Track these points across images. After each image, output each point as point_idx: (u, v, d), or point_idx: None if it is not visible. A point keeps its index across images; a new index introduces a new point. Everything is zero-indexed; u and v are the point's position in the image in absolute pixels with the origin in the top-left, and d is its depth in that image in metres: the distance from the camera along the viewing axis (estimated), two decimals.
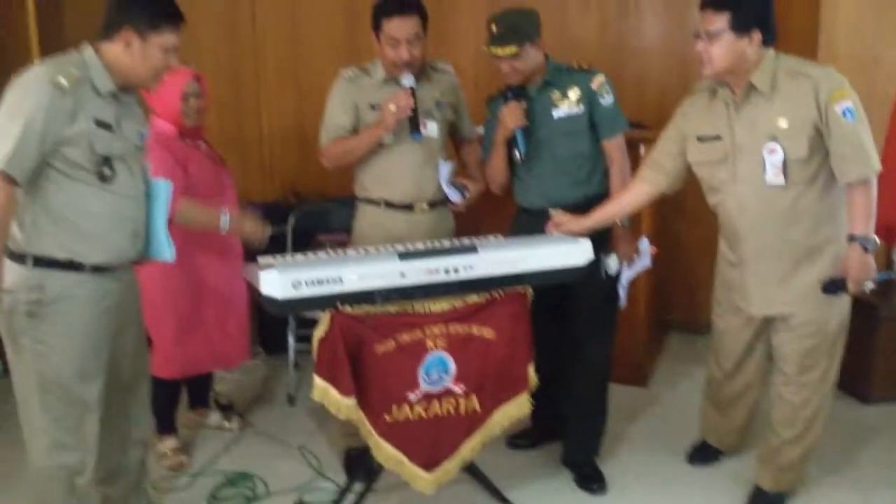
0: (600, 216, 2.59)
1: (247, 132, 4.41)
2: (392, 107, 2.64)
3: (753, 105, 2.34)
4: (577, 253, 2.41)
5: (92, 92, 2.06)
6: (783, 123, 2.28)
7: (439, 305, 2.34)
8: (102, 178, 2.09)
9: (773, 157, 2.29)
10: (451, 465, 2.46)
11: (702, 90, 2.51)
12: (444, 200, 2.90)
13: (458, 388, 2.41)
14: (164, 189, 2.28)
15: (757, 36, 2.28)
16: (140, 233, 2.24)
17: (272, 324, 3.70)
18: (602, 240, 2.66)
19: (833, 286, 2.32)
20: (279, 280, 2.11)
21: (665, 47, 4.16)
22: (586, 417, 2.89)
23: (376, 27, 2.72)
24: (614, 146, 2.76)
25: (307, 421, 3.37)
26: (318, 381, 2.26)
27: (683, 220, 4.06)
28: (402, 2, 2.72)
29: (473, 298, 2.36)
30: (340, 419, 2.35)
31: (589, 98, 2.69)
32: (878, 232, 2.29)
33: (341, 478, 2.89)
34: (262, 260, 2.31)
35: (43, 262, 2.07)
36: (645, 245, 2.84)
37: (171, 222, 2.34)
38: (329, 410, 2.30)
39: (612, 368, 2.95)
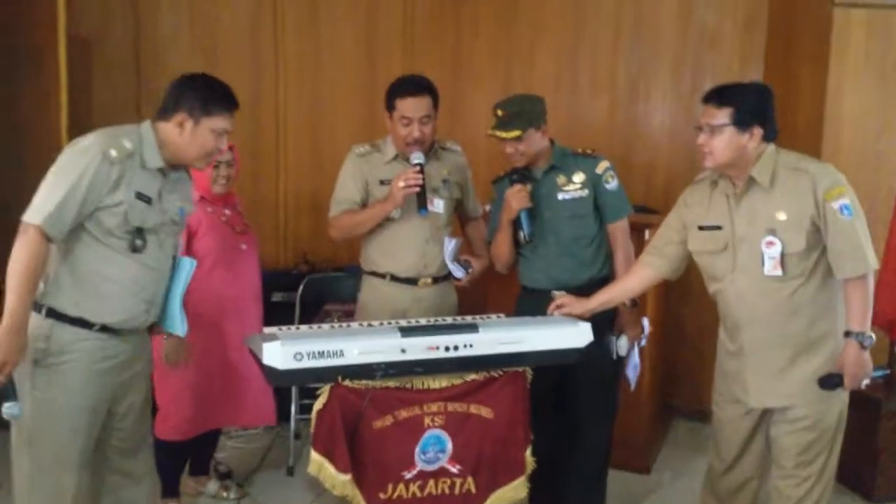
0: (603, 299, 2.62)
1: (264, 199, 4.51)
2: (401, 183, 2.72)
3: (753, 198, 2.38)
4: (577, 335, 2.43)
5: (139, 165, 2.17)
6: (782, 216, 2.32)
7: (438, 382, 2.35)
8: (133, 249, 2.18)
9: (771, 249, 2.32)
10: None
11: (703, 181, 2.56)
12: (447, 276, 2.95)
13: (454, 468, 2.40)
14: (187, 266, 2.36)
15: (758, 132, 2.34)
16: (155, 303, 2.31)
17: (274, 393, 3.71)
18: (606, 321, 2.68)
19: (830, 382, 2.31)
20: (281, 351, 2.14)
21: (673, 133, 4.26)
22: (585, 503, 2.85)
23: (389, 106, 2.83)
24: (619, 229, 2.81)
25: (305, 493, 3.34)
26: (315, 456, 2.26)
27: (689, 306, 4.07)
28: (416, 82, 2.84)
29: (472, 377, 2.38)
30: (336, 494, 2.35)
31: (594, 182, 2.76)
32: (881, 326, 2.29)
33: None
34: (266, 330, 2.35)
35: (54, 314, 2.15)
36: (645, 324, 2.87)
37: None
38: (325, 485, 2.29)
39: (612, 453, 2.93)
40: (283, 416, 3.68)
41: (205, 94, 2.22)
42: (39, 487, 2.18)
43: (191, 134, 2.21)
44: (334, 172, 3.01)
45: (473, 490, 2.42)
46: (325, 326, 2.49)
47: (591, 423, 2.79)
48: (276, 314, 3.31)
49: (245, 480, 3.45)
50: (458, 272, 2.94)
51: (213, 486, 3.30)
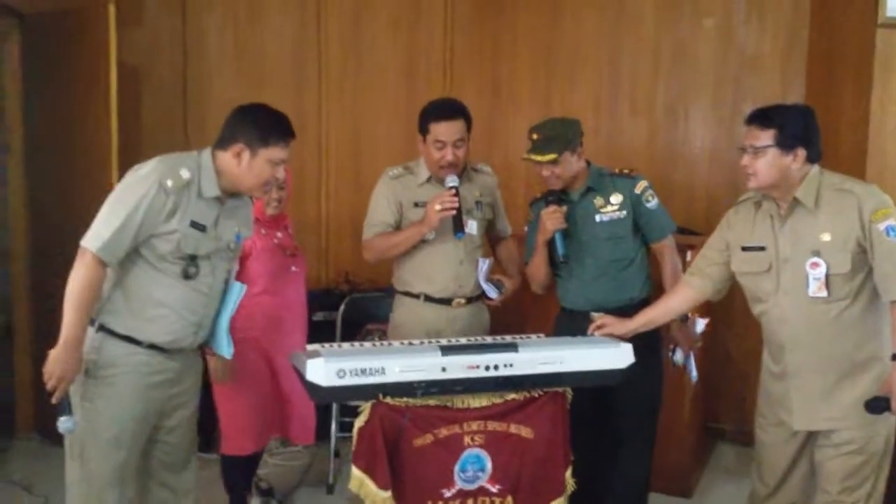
0: (644, 319, 2.62)
1: (307, 219, 4.59)
2: (437, 206, 2.75)
3: (798, 219, 2.37)
4: (618, 356, 2.42)
5: (196, 194, 2.23)
6: (826, 237, 2.31)
7: (478, 401, 2.36)
8: (186, 276, 2.24)
9: (816, 270, 2.30)
10: None
11: (747, 201, 2.55)
12: (480, 296, 2.98)
13: (494, 488, 2.40)
14: (236, 290, 2.41)
15: (801, 153, 2.33)
16: (204, 326, 2.37)
17: (316, 411, 3.76)
18: (648, 343, 2.66)
19: (877, 405, 2.27)
20: (324, 368, 2.17)
21: (714, 156, 4.25)
22: None
23: (423, 130, 2.87)
24: (665, 247, 2.83)
25: None
26: (356, 472, 2.28)
27: (733, 329, 4.03)
28: (449, 106, 2.90)
29: (512, 396, 2.38)
30: None
31: (634, 202, 2.77)
32: None
33: None
34: (309, 347, 2.39)
35: (105, 329, 2.22)
36: (700, 325, 2.85)
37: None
38: (365, 502, 2.31)
39: (654, 477, 2.91)
40: (324, 433, 3.73)
41: (262, 124, 2.27)
42: (86, 499, 2.24)
43: (248, 164, 2.26)
44: None
45: None
46: (367, 344, 2.52)
47: (632, 446, 2.78)
48: (318, 333, 3.35)
49: (286, 498, 3.49)
50: (492, 293, 2.97)
51: (254, 502, 3.33)
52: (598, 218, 2.76)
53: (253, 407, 2.97)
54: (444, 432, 2.34)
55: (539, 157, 2.68)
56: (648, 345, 2.68)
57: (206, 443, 3.33)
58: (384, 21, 4.62)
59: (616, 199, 2.77)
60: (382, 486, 2.26)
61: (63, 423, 2.10)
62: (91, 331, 2.20)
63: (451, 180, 2.83)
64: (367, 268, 4.28)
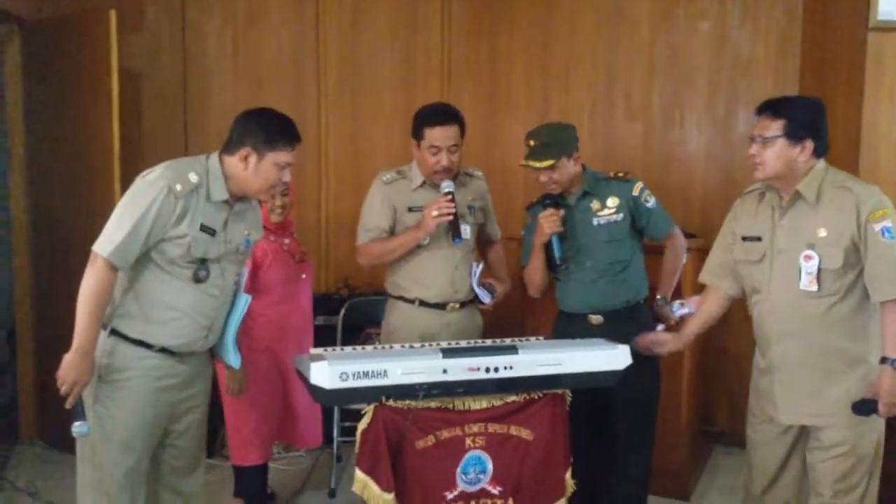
0: (694, 329, 2.70)
1: (307, 223, 4.61)
2: (434, 212, 2.77)
3: (797, 212, 2.40)
4: (615, 358, 2.46)
5: (205, 198, 2.26)
6: (822, 233, 2.33)
7: (479, 403, 2.39)
8: (197, 280, 2.27)
9: (809, 264, 2.33)
10: None
11: (752, 192, 2.59)
12: (473, 300, 3.00)
13: (495, 490, 2.43)
14: (243, 302, 2.44)
15: (809, 145, 2.36)
16: (215, 330, 2.40)
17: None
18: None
19: (864, 407, 2.29)
20: (328, 371, 2.21)
21: (709, 157, 4.29)
22: None
23: (417, 135, 2.89)
24: (671, 238, 2.90)
25: None
26: (359, 474, 2.31)
27: (729, 333, 4.05)
28: (444, 111, 2.91)
29: (513, 398, 2.42)
30: None
31: (632, 204, 2.81)
32: None
33: None
34: (313, 351, 2.42)
35: (117, 334, 2.25)
36: (677, 310, 2.92)
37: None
38: None
39: (652, 479, 2.94)
40: (326, 438, 3.75)
41: (268, 128, 2.30)
42: (98, 503, 2.27)
43: (255, 168, 2.29)
44: None
45: None
46: (369, 348, 2.55)
47: (631, 447, 2.81)
48: (319, 337, 3.38)
49: (288, 502, 3.51)
50: (485, 297, 3.00)
51: None
52: (595, 221, 2.80)
53: (262, 418, 3.00)
54: (445, 434, 2.37)
55: (537, 164, 2.71)
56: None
57: (209, 447, 3.36)
58: (382, 26, 4.66)
59: (613, 202, 2.80)
60: (386, 489, 2.29)
61: (77, 428, 2.12)
62: (103, 335, 2.23)
63: (447, 186, 2.84)
64: (366, 272, 4.32)
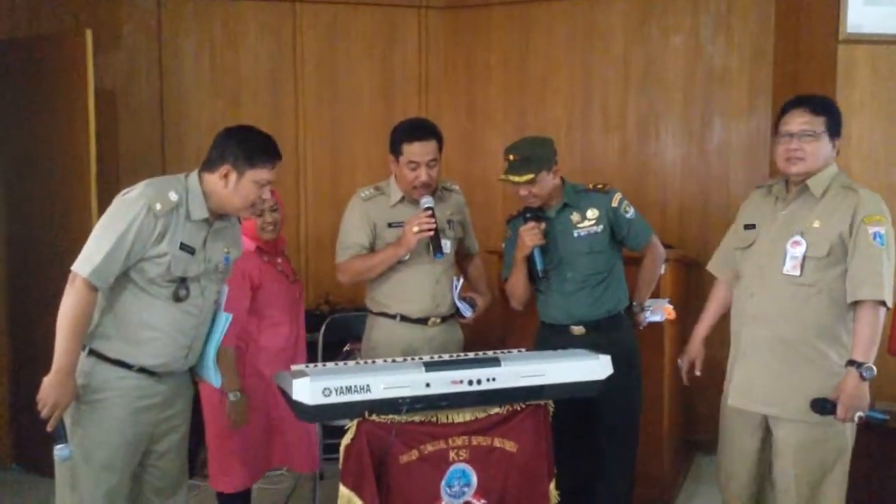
0: (703, 332, 2.77)
1: (286, 240, 4.60)
2: (415, 227, 2.77)
3: (800, 204, 2.46)
4: (597, 368, 2.46)
5: (184, 217, 2.25)
6: (816, 223, 2.39)
7: (462, 416, 2.39)
8: (177, 299, 2.25)
9: (795, 249, 2.39)
10: None
11: (763, 187, 2.66)
12: (453, 314, 3.01)
13: (480, 502, 2.42)
14: (223, 321, 2.43)
15: (837, 145, 2.44)
16: (195, 349, 2.38)
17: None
18: (626, 357, 2.72)
19: (822, 406, 2.31)
20: (310, 387, 2.19)
21: (684, 169, 4.35)
22: None
23: (395, 151, 2.89)
24: (651, 247, 2.94)
25: None
26: (344, 490, 2.29)
27: (709, 343, 4.06)
28: (422, 126, 2.92)
29: (496, 410, 2.42)
30: None
31: (611, 215, 2.83)
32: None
33: None
34: (294, 367, 2.41)
35: (96, 354, 2.23)
36: (661, 303, 2.98)
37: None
38: None
39: (635, 487, 2.95)
40: None
41: (248, 146, 2.29)
42: None
43: (235, 186, 2.28)
44: None
45: None
46: (351, 363, 2.55)
47: (614, 456, 2.82)
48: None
49: None
50: (467, 311, 3.01)
51: None
52: (575, 233, 2.82)
53: (246, 443, 2.92)
54: (429, 448, 2.37)
55: (516, 178, 2.72)
56: (627, 358, 2.74)
57: (190, 467, 3.31)
58: (359, 42, 4.68)
59: (592, 213, 2.82)
60: None
61: (59, 451, 2.10)
62: (82, 356, 2.20)
63: (427, 201, 2.84)
64: (346, 288, 4.30)
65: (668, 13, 4.31)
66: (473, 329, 3.17)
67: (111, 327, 2.23)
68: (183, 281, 2.26)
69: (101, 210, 2.27)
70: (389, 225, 2.92)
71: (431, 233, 2.78)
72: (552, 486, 2.48)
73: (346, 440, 2.30)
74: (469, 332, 3.15)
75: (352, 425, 2.30)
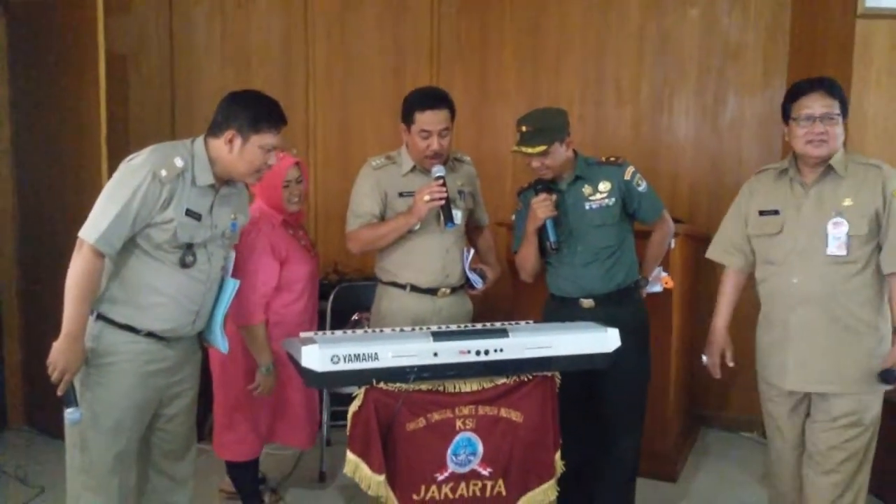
0: (723, 322, 2.75)
1: (304, 213, 4.62)
2: (426, 196, 2.76)
3: (824, 185, 2.48)
4: (604, 340, 2.47)
5: (190, 183, 2.24)
6: (848, 202, 2.43)
7: (469, 386, 2.40)
8: (184, 265, 2.26)
9: (838, 230, 2.43)
10: None
11: (767, 170, 2.66)
12: (463, 285, 3.01)
13: (485, 471, 2.45)
14: (231, 287, 2.44)
15: (846, 126, 2.48)
16: (203, 315, 2.39)
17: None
18: (635, 330, 2.73)
19: (891, 376, 2.40)
20: (319, 354, 2.21)
21: (697, 144, 4.32)
22: None
23: (407, 119, 2.87)
24: (661, 222, 2.94)
25: (337, 499, 3.41)
26: (351, 456, 2.32)
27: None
28: (434, 95, 2.90)
29: (503, 381, 2.43)
30: (371, 496, 2.40)
31: (624, 188, 2.81)
32: None
33: None
34: (303, 335, 2.42)
35: (104, 318, 2.24)
36: (657, 273, 2.97)
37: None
38: (360, 486, 2.35)
39: (641, 461, 2.96)
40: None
41: (253, 111, 2.28)
42: (87, 487, 2.27)
43: (239, 151, 2.28)
44: None
45: (504, 493, 2.47)
46: (360, 331, 2.56)
47: (621, 430, 2.83)
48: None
49: (278, 485, 3.52)
50: (478, 282, 3.02)
51: None
52: (587, 206, 2.80)
53: (256, 415, 2.95)
54: (436, 417, 2.38)
55: (529, 149, 2.70)
56: (635, 329, 2.74)
57: (198, 432, 3.35)
58: (371, 12, 4.63)
59: (604, 186, 2.80)
60: (377, 471, 2.30)
61: (69, 415, 2.13)
62: (90, 320, 2.22)
63: (438, 170, 2.83)
64: (355, 257, 4.31)
65: None
66: (481, 301, 3.18)
67: (119, 292, 2.24)
68: (189, 247, 2.26)
69: (111, 174, 2.26)
70: (400, 194, 2.91)
71: (442, 202, 2.77)
72: (557, 456, 2.49)
73: (353, 407, 2.32)
74: (477, 304, 3.16)
75: (359, 393, 2.32)
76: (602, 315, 2.67)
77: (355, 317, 3.84)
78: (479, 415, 2.42)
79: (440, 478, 2.41)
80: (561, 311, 2.81)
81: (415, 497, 2.39)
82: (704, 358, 2.79)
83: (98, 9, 3.65)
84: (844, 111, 2.47)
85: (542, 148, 2.69)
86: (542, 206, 2.75)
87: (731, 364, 2.76)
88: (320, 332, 2.47)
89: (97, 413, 2.23)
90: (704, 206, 4.27)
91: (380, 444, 2.30)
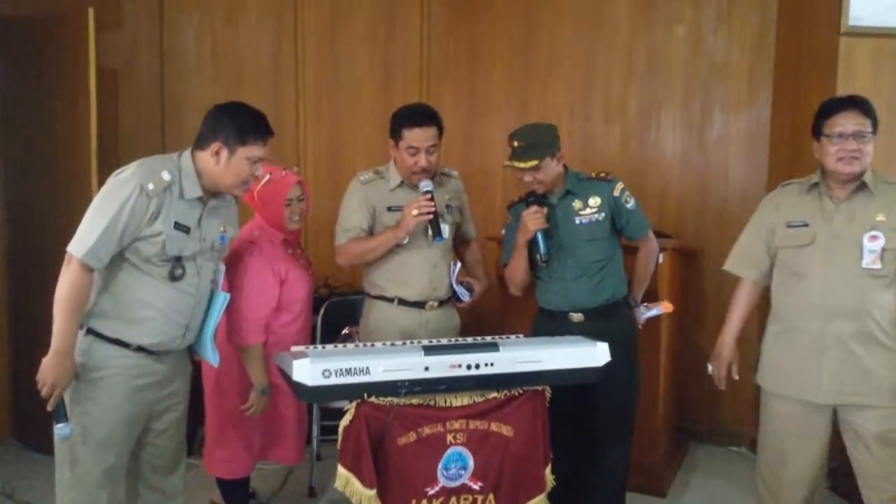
0: (732, 335, 2.75)
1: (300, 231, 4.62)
2: (415, 211, 2.78)
3: (855, 201, 2.52)
4: (594, 354, 2.48)
5: (178, 196, 2.24)
6: (881, 217, 2.47)
7: (460, 400, 2.41)
8: (173, 278, 2.26)
9: (874, 243, 2.46)
10: None
11: (790, 185, 2.70)
12: (450, 298, 3.03)
13: (476, 485, 2.45)
14: (220, 300, 2.44)
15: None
16: (192, 328, 2.39)
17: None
18: (623, 344, 2.74)
19: None
20: (310, 368, 2.21)
21: (684, 160, 4.36)
22: None
23: (395, 135, 2.90)
24: (646, 241, 2.97)
25: None
26: (342, 471, 2.31)
27: (705, 334, 4.11)
28: (422, 112, 2.92)
29: (493, 395, 2.44)
30: None
31: (612, 204, 2.84)
32: None
33: None
34: (294, 349, 2.42)
35: (93, 333, 2.24)
36: (644, 312, 2.99)
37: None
38: (350, 501, 2.34)
39: (629, 476, 2.97)
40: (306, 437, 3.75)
41: (239, 123, 2.29)
42: (76, 502, 2.25)
43: (226, 163, 2.28)
44: None
45: None
46: (351, 346, 2.56)
47: (610, 443, 2.84)
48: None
49: (268, 500, 3.51)
50: (465, 295, 3.03)
51: None
52: (577, 220, 2.83)
53: (248, 434, 2.93)
54: (427, 431, 2.38)
55: (521, 164, 2.73)
56: (624, 343, 2.76)
57: (188, 446, 3.33)
58: (361, 28, 4.67)
59: (594, 201, 2.83)
60: (368, 485, 2.30)
61: (59, 430, 2.12)
62: (80, 335, 2.21)
63: (426, 185, 2.85)
64: (345, 271, 4.32)
65: (672, 3, 4.31)
66: (470, 314, 3.19)
67: (108, 306, 2.24)
68: (178, 260, 2.26)
69: (101, 188, 2.26)
70: (388, 209, 2.93)
71: (430, 216, 2.79)
72: (548, 470, 2.50)
73: (344, 422, 2.32)
74: (465, 317, 3.17)
75: (351, 407, 2.32)
76: (591, 329, 2.69)
77: (346, 331, 3.84)
78: (470, 429, 2.42)
79: (431, 492, 2.40)
80: (550, 324, 2.82)
81: None
82: (710, 368, 2.79)
83: (89, 24, 3.67)
84: (875, 129, 2.50)
85: (534, 163, 2.72)
86: (533, 219, 2.77)
87: (735, 377, 2.76)
88: (311, 347, 2.47)
89: (87, 428, 2.22)
90: (691, 222, 4.31)
91: (371, 459, 2.30)
